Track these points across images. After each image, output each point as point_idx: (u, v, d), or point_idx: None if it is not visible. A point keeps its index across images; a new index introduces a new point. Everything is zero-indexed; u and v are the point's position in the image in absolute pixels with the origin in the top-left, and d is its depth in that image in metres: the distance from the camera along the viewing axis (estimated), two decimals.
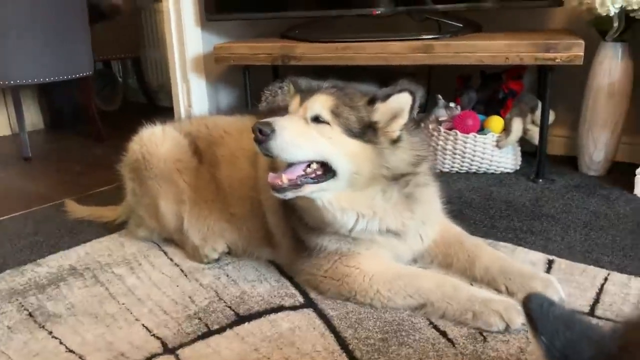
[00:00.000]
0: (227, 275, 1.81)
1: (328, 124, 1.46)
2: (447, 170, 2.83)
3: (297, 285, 1.72)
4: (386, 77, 2.95)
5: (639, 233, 2.05)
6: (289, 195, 1.48)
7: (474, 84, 2.92)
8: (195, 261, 1.91)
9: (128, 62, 5.22)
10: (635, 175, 2.50)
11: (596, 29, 2.58)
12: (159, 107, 5.10)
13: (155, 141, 1.96)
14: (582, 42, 2.36)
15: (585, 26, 2.64)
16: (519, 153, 2.81)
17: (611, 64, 2.53)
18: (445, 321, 1.49)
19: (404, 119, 1.52)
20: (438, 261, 1.79)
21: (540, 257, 1.87)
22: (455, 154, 2.78)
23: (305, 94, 1.52)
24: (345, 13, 2.89)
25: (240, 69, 3.02)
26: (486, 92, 2.86)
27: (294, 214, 1.67)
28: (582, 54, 2.36)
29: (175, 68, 3.08)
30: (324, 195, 1.51)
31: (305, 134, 1.45)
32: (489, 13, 2.93)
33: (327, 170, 1.48)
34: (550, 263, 1.83)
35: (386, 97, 1.50)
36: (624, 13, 2.39)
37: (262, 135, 1.41)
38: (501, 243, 1.98)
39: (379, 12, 2.82)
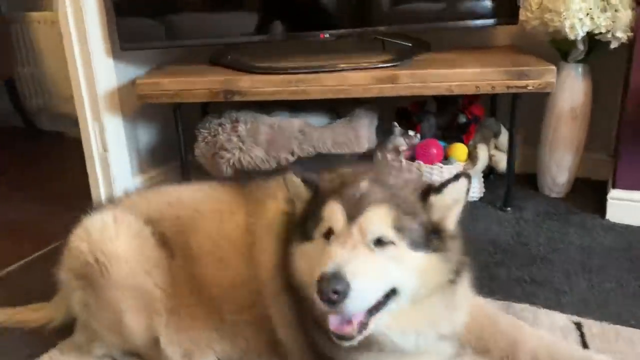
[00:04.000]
0: None
1: (393, 243, 1.17)
2: None
3: None
4: (334, 103, 2.68)
5: (635, 273, 1.99)
6: (359, 338, 1.18)
7: (430, 108, 2.73)
8: None
9: None
10: (598, 194, 2.51)
11: (557, 49, 2.49)
12: (40, 131, 4.40)
13: (109, 236, 1.51)
14: (554, 68, 2.26)
15: (536, 42, 2.54)
16: (482, 180, 2.69)
17: (573, 86, 2.46)
18: None
19: (459, 209, 1.27)
20: (472, 347, 1.57)
21: (565, 321, 1.72)
22: None
23: (350, 207, 1.19)
24: (289, 37, 2.55)
25: (166, 104, 2.55)
26: (445, 117, 2.68)
27: (318, 328, 1.34)
28: (554, 80, 2.26)
29: (85, 107, 2.53)
30: (381, 320, 1.21)
31: (377, 270, 1.15)
32: (436, 30, 2.74)
33: (389, 293, 1.19)
34: (579, 327, 1.69)
35: (440, 188, 1.24)
36: (588, 35, 2.32)
37: (337, 295, 1.08)
38: (518, 305, 1.81)
39: (327, 36, 2.51)
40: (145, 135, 2.83)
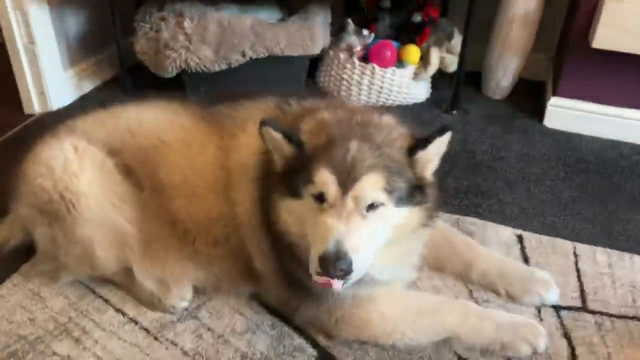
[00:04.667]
0: (209, 329, 1.51)
1: (383, 204, 1.21)
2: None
3: (299, 331, 1.51)
4: None
5: (568, 182, 2.18)
6: (345, 285, 1.23)
7: (385, 4, 2.62)
8: (155, 310, 1.56)
9: None
10: (536, 96, 2.70)
11: None
12: None
13: (73, 171, 1.43)
14: None
15: None
16: (430, 82, 2.70)
17: None
18: (471, 352, 1.46)
19: (438, 159, 1.31)
20: (429, 265, 1.70)
21: (509, 234, 1.89)
22: (371, 89, 2.57)
23: (343, 175, 1.18)
24: None
25: None
26: (400, 16, 2.60)
27: (294, 259, 1.40)
28: None
29: None
30: None
31: (369, 234, 1.20)
32: None
33: None
34: (520, 240, 1.87)
35: (426, 143, 1.25)
36: None
37: (342, 272, 1.14)
38: (468, 219, 1.95)
39: None
40: (74, 23, 2.55)
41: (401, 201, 1.24)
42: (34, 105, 2.51)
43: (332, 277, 1.16)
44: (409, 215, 1.27)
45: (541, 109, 2.59)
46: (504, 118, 2.60)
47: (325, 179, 1.18)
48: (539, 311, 1.59)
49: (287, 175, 1.27)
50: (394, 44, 2.54)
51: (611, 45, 2.15)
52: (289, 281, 1.47)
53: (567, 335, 1.52)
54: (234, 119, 1.51)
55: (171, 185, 1.49)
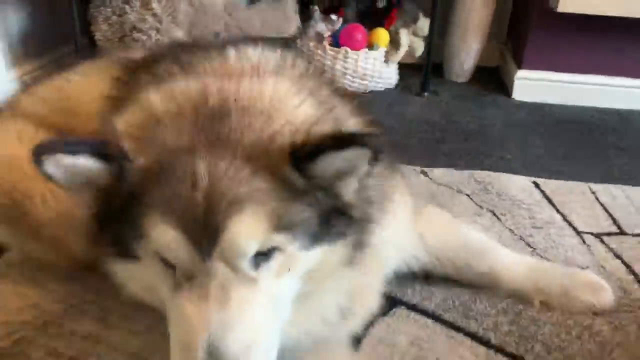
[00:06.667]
0: None
1: (278, 248, 0.76)
2: None
3: None
4: None
5: (557, 139, 2.22)
6: None
7: None
8: None
9: None
10: (495, 78, 2.83)
11: None
12: None
13: (18, 165, 1.15)
14: None
15: None
16: (397, 68, 2.70)
17: None
18: None
19: (356, 177, 0.82)
20: (445, 272, 1.32)
21: (525, 182, 1.85)
22: (345, 73, 2.51)
23: (195, 228, 0.72)
24: None
25: None
26: (364, 1, 2.60)
27: None
28: None
29: None
30: None
31: (271, 308, 0.77)
32: None
33: None
34: (537, 186, 1.84)
35: (314, 155, 0.75)
36: None
37: None
38: (480, 172, 1.89)
39: None
40: (15, 19, 2.28)
41: (311, 237, 0.78)
42: None
43: None
44: (326, 256, 0.81)
45: (504, 86, 2.69)
46: (475, 96, 2.64)
47: (167, 241, 0.72)
48: (583, 241, 1.54)
49: (107, 224, 0.80)
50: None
51: (577, 7, 2.25)
52: None
53: (618, 256, 1.48)
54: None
55: None
